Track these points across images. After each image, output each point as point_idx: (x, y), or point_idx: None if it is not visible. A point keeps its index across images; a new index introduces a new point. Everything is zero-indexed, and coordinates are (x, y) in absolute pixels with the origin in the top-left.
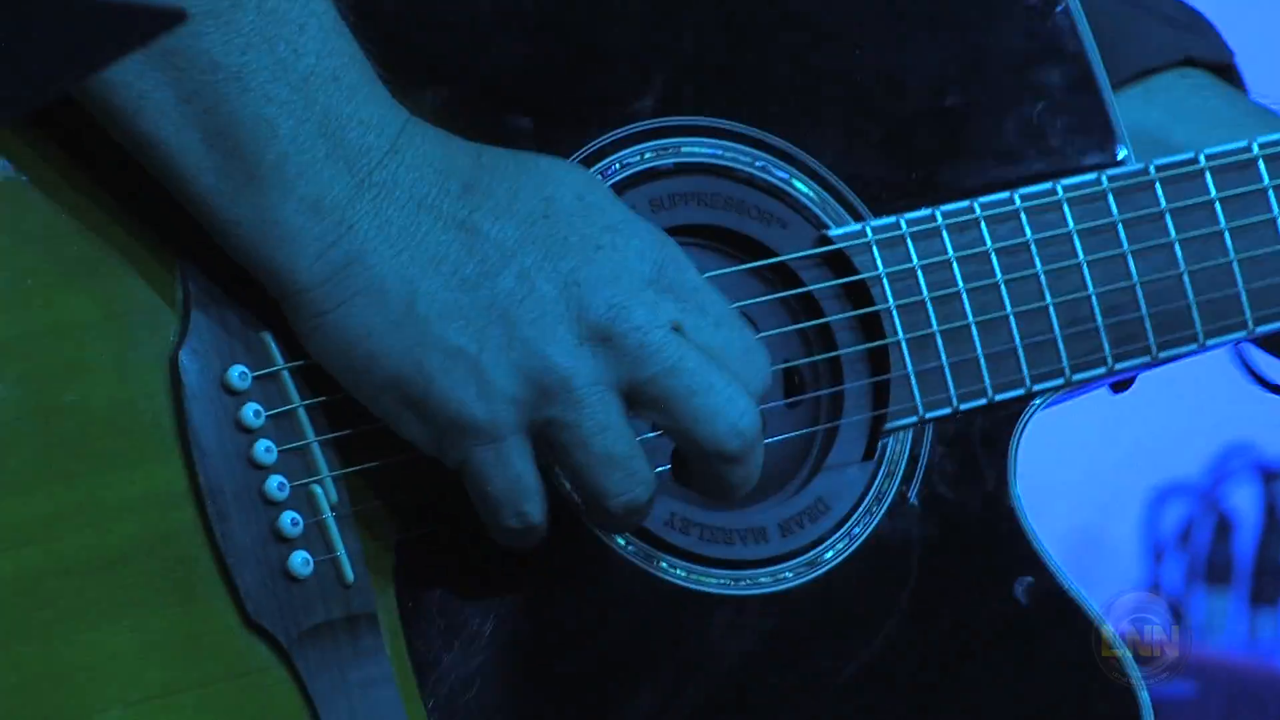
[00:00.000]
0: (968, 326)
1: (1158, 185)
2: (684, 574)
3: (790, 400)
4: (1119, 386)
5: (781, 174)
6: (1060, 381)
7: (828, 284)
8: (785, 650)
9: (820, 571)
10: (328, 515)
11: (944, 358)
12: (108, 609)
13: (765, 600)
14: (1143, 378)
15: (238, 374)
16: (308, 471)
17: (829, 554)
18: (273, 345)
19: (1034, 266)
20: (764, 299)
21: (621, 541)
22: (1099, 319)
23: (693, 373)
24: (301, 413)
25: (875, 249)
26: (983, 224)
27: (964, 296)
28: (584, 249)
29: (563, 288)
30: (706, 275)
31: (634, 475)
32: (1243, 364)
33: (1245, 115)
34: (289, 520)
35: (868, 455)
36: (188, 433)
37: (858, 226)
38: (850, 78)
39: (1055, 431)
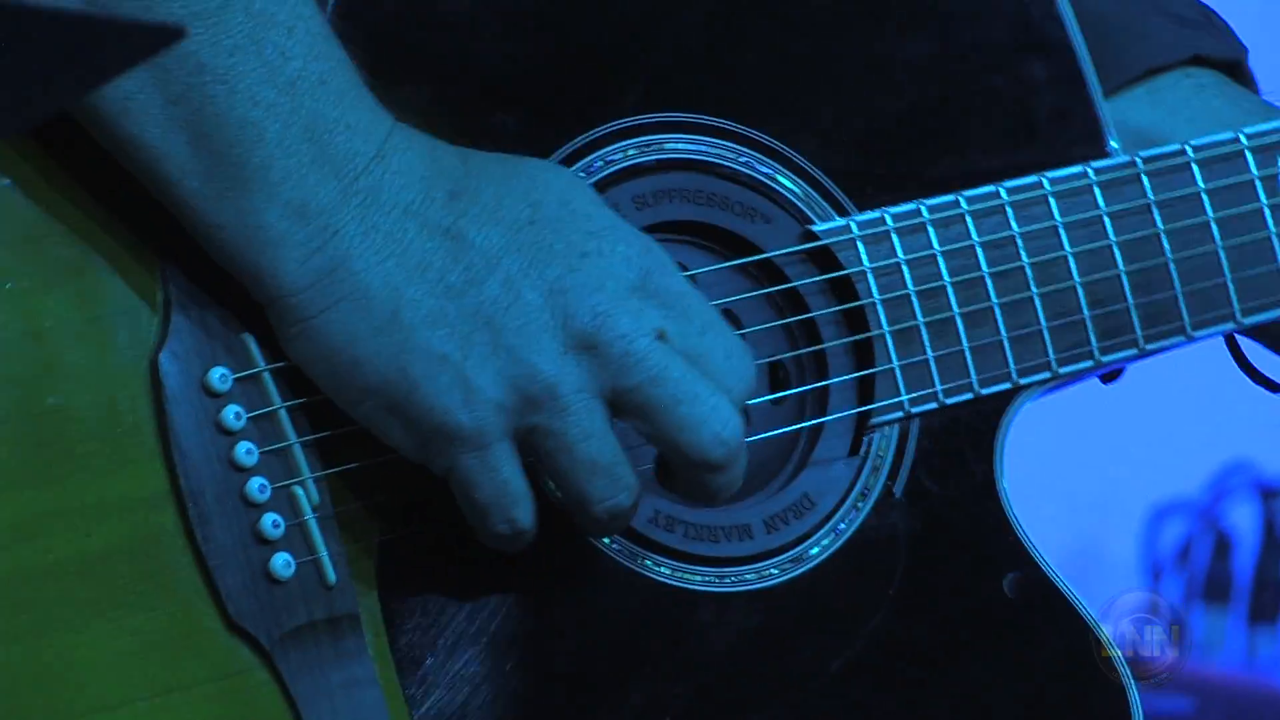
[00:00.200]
0: (953, 320)
1: (1144, 177)
2: (669, 572)
3: (775, 396)
4: (1108, 377)
5: (766, 169)
6: (1046, 375)
7: (813, 279)
8: (772, 647)
9: (806, 568)
10: (309, 517)
11: (929, 352)
12: (89, 612)
13: (751, 597)
14: (1141, 396)
15: (218, 376)
16: (289, 473)
17: (814, 550)
18: (254, 347)
19: (1019, 260)
20: (749, 295)
21: (606, 540)
22: (1085, 311)
23: (677, 382)
24: (283, 414)
25: (860, 244)
26: (968, 218)
27: (949, 290)
28: (569, 256)
29: (548, 295)
30: (691, 273)
31: (618, 481)
32: (1234, 357)
33: (1248, 115)
34: (270, 522)
35: (853, 450)
36: (169, 435)
37: (842, 222)
38: (834, 72)
39: (1053, 449)
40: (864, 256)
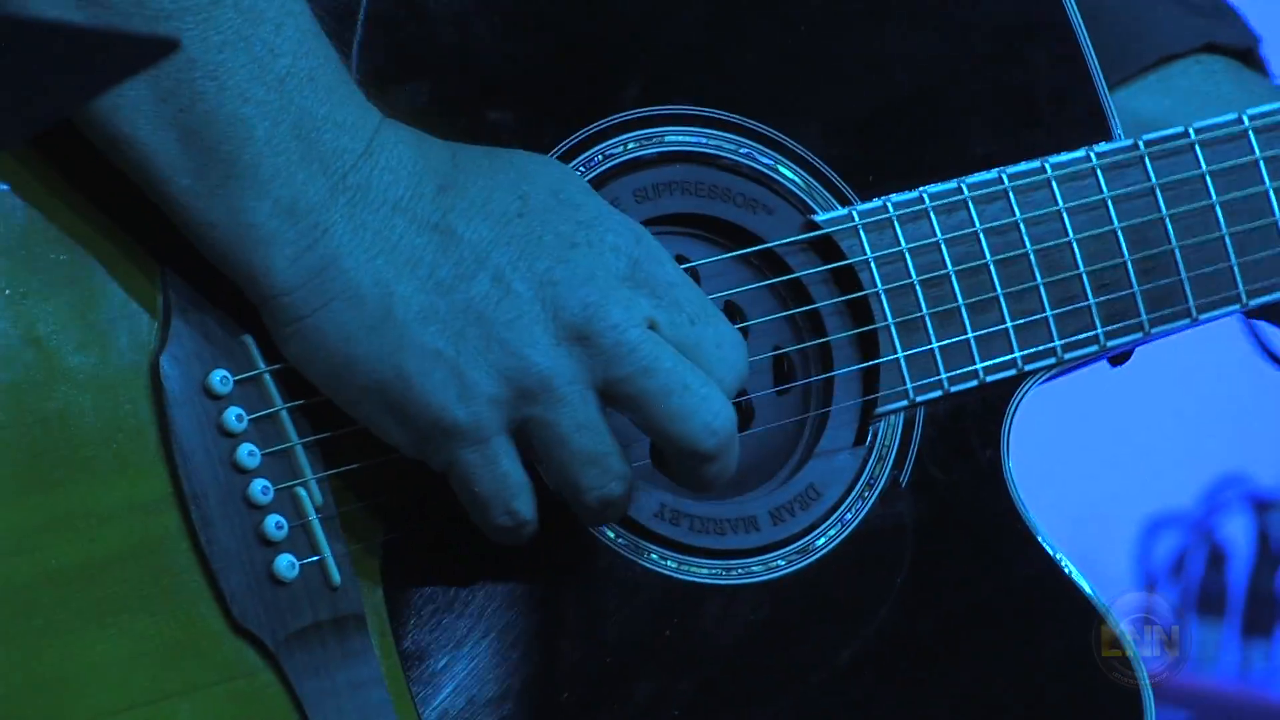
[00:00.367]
0: (957, 309)
1: (1147, 160)
2: (675, 565)
3: (780, 388)
4: (1116, 360)
5: (767, 160)
6: (1052, 361)
7: (815, 270)
8: (779, 638)
9: (813, 559)
10: (313, 518)
11: (934, 340)
12: (95, 617)
13: (758, 589)
14: (1135, 409)
15: (219, 379)
16: (292, 474)
17: (821, 541)
18: (254, 349)
19: (1023, 246)
20: (752, 286)
21: (611, 534)
22: (1090, 297)
23: (668, 372)
24: (284, 416)
25: (862, 233)
26: (970, 204)
27: (953, 278)
28: (559, 247)
29: (538, 288)
30: (694, 264)
31: (610, 471)
32: (1256, 341)
33: (1261, 101)
34: (274, 524)
35: (859, 440)
36: (170, 439)
37: (844, 211)
38: (834, 61)
39: (1048, 461)
40: (866, 245)
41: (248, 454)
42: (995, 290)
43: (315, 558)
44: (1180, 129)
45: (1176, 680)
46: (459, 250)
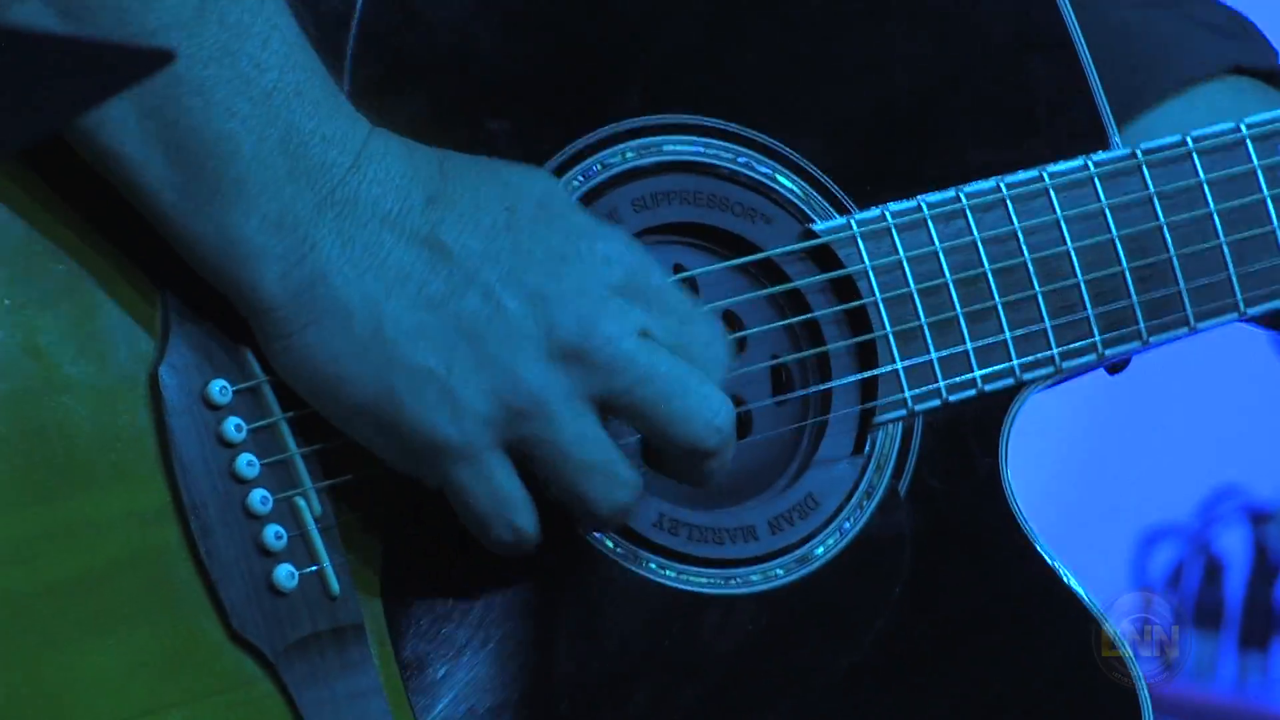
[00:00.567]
0: (955, 318)
1: (1144, 169)
2: (674, 575)
3: (779, 398)
4: (1114, 368)
5: (765, 169)
6: (1050, 370)
7: (813, 279)
8: (778, 647)
9: (811, 568)
10: (312, 528)
11: (932, 350)
12: (93, 628)
13: (756, 598)
14: (1131, 421)
15: (218, 388)
16: (291, 484)
17: (820, 550)
18: (252, 359)
19: (1021, 255)
20: (750, 296)
21: (610, 544)
22: (1088, 306)
23: (665, 377)
24: (283, 425)
25: (860, 242)
26: (968, 213)
27: (951, 288)
28: (548, 261)
29: (530, 304)
30: (692, 273)
31: (615, 478)
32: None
33: None
34: (273, 534)
35: (857, 450)
36: (169, 449)
37: (842, 220)
38: (832, 70)
39: (1043, 474)
40: (865, 254)
41: (247, 464)
42: (993, 299)
43: (314, 567)
44: (1178, 137)
45: (1174, 692)
46: (448, 265)
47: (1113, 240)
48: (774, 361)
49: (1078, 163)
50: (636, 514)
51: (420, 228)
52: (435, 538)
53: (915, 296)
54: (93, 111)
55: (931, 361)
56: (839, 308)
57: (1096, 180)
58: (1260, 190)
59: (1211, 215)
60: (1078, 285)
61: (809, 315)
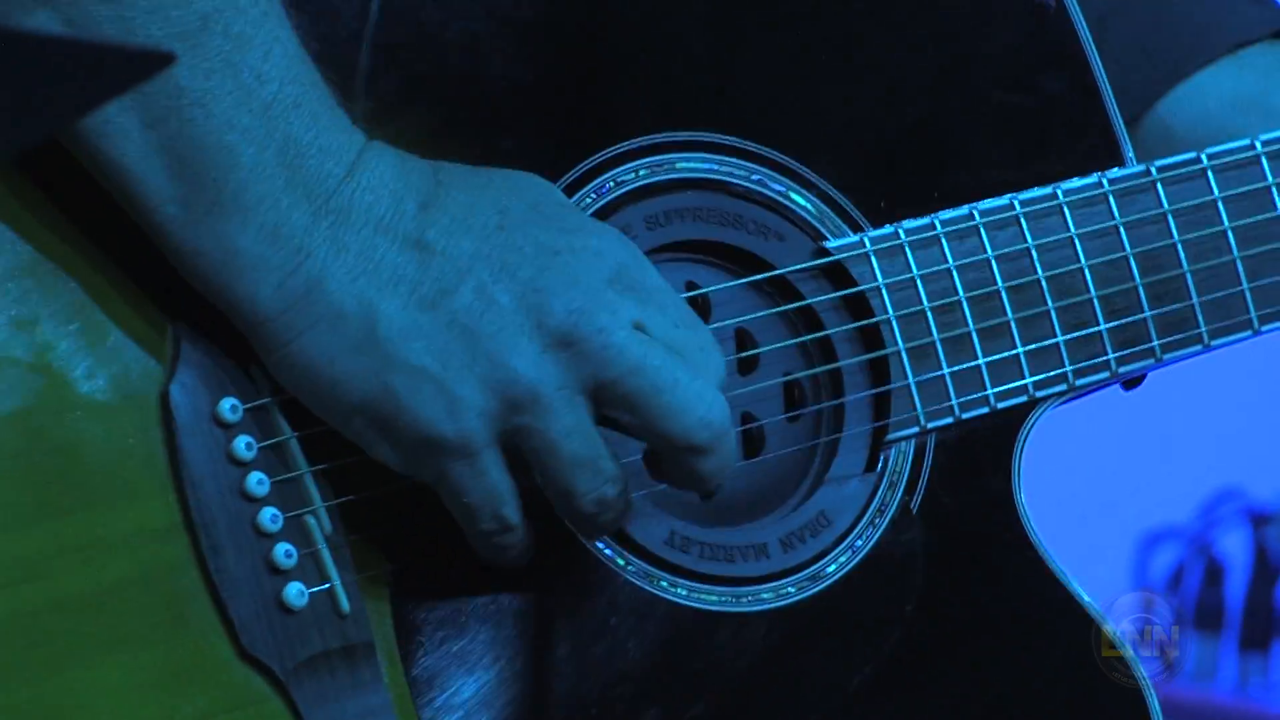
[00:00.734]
0: (968, 335)
1: (1159, 186)
2: (685, 592)
3: (791, 414)
4: (1129, 384)
5: (778, 187)
6: (1063, 387)
7: (826, 296)
8: (790, 665)
9: (823, 585)
10: (322, 546)
11: (945, 367)
12: (103, 645)
13: (768, 616)
14: (1132, 424)
15: (229, 407)
16: (301, 502)
17: (831, 568)
18: (262, 377)
19: (1035, 273)
20: (763, 313)
21: (621, 561)
22: (1102, 323)
23: (658, 370)
24: (293, 444)
25: (874, 259)
26: (982, 230)
27: (964, 305)
28: (540, 256)
29: (521, 297)
30: (705, 291)
31: (601, 473)
32: None
33: None
34: (283, 552)
35: (869, 467)
36: (180, 467)
37: (855, 238)
38: (846, 88)
39: (1043, 476)
40: (878, 272)
41: (257, 482)
42: (1007, 316)
43: (324, 585)
44: (1193, 155)
45: (1175, 694)
46: (440, 266)
47: (1127, 257)
48: (787, 378)
49: (1092, 179)
50: (642, 535)
51: (413, 231)
52: (445, 556)
53: (928, 314)
54: (96, 121)
55: (944, 378)
56: (852, 325)
57: (1111, 197)
58: (1275, 207)
59: (1226, 232)
60: (1091, 302)
61: (822, 333)
